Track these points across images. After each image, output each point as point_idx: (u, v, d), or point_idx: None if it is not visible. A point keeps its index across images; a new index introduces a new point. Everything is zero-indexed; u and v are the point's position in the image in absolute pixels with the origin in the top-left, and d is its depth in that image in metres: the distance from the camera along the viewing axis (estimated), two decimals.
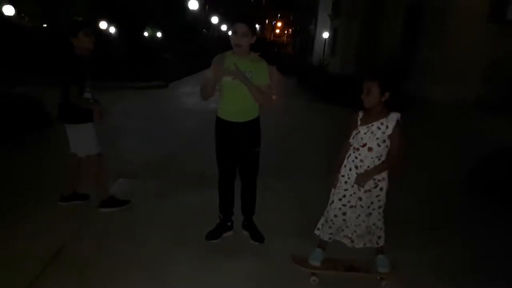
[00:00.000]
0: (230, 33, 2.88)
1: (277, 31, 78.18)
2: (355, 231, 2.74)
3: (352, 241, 2.77)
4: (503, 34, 11.65)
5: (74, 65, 3.21)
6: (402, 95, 9.20)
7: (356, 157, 2.61)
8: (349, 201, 2.67)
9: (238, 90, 2.88)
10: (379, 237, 2.76)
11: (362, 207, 2.66)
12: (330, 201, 2.75)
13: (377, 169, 2.56)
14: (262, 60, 3.00)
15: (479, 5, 11.86)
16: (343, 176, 2.67)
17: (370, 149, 2.56)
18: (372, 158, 2.56)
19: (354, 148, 2.64)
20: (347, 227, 2.74)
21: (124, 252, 2.95)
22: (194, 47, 23.55)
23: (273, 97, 14.39)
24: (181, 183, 4.44)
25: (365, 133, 2.56)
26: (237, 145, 3.04)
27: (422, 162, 5.87)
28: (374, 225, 2.72)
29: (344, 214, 2.69)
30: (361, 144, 2.58)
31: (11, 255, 2.82)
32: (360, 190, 2.62)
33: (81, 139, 3.38)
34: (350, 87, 9.77)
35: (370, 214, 2.69)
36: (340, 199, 2.68)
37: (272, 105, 3.09)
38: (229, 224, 3.30)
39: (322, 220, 2.83)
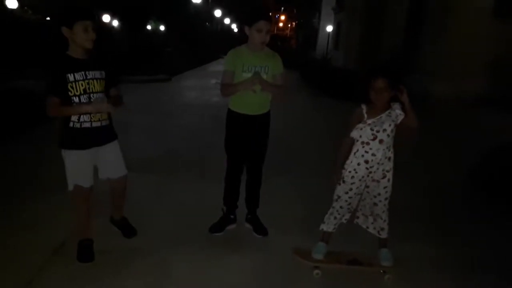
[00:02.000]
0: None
1: (281, 24, 77.74)
2: (360, 209, 2.79)
3: (357, 217, 2.84)
4: (508, 29, 11.54)
5: (54, 69, 2.47)
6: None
7: (366, 152, 2.61)
8: (355, 193, 2.71)
9: (257, 84, 2.90)
10: (381, 228, 2.78)
11: (368, 193, 2.71)
12: (335, 197, 2.76)
13: (411, 111, 2.55)
14: (275, 53, 3.06)
15: (483, 0, 11.75)
16: (349, 171, 2.67)
17: (381, 141, 2.57)
18: (383, 150, 2.58)
19: (362, 142, 2.62)
20: (351, 211, 2.79)
21: (126, 246, 2.97)
22: (197, 40, 23.48)
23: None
24: (182, 178, 4.45)
25: (375, 126, 2.57)
26: (248, 138, 3.08)
27: (424, 158, 5.85)
28: (378, 215, 2.74)
29: (349, 204, 2.74)
30: (371, 138, 2.58)
31: (12, 251, 2.84)
32: (368, 179, 2.65)
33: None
34: (353, 81, 9.74)
35: (375, 204, 2.72)
36: (346, 192, 2.70)
37: (286, 95, 3.14)
38: (232, 217, 3.32)
39: (327, 215, 2.83)
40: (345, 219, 2.82)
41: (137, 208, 3.57)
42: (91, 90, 2.49)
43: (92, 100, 2.48)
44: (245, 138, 3.08)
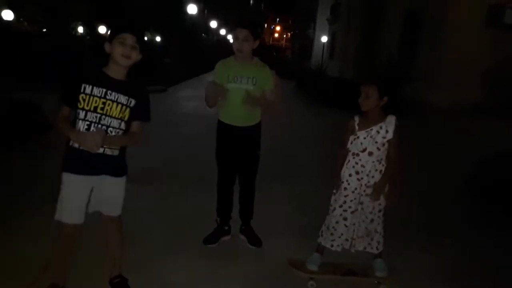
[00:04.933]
0: (231, 38, 2.93)
1: (276, 35, 78.43)
2: (355, 232, 2.73)
3: (354, 245, 2.75)
4: (501, 38, 11.70)
5: (72, 76, 2.20)
6: (400, 99, 9.23)
7: (356, 163, 2.62)
8: (350, 207, 2.68)
9: (242, 95, 2.88)
10: (378, 242, 2.77)
11: (363, 209, 2.67)
12: (331, 208, 2.75)
13: (385, 178, 2.58)
14: (265, 65, 3.02)
15: (477, 10, 11.91)
16: (342, 182, 2.68)
17: (370, 153, 2.57)
18: (373, 162, 2.58)
19: (353, 154, 2.64)
20: (348, 231, 2.74)
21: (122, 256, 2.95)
22: (193, 51, 23.59)
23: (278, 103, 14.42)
24: (180, 187, 4.45)
25: (364, 138, 2.58)
26: (238, 150, 3.06)
27: (421, 167, 5.87)
28: (375, 230, 2.73)
29: (345, 219, 2.70)
30: (361, 150, 2.59)
31: (9, 260, 2.81)
32: (362, 195, 2.64)
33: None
34: (349, 91, 9.80)
35: (372, 220, 2.70)
36: (340, 206, 2.69)
37: (278, 112, 3.16)
38: (226, 228, 3.29)
39: (323, 227, 2.83)
40: (344, 239, 2.74)
41: (134, 218, 3.55)
42: (105, 112, 2.14)
43: (92, 129, 2.12)
44: (234, 150, 3.06)
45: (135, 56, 2.18)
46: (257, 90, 2.94)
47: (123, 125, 2.20)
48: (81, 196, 2.22)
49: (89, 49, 14.04)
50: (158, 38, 26.65)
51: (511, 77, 11.06)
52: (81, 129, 2.12)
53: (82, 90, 2.12)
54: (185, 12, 24.39)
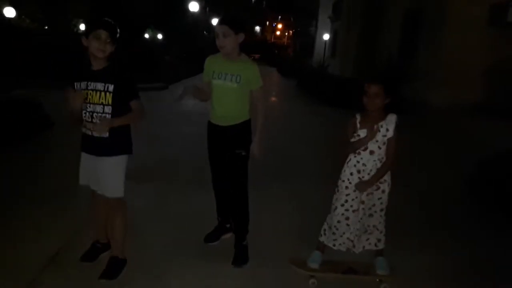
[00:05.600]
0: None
1: (278, 33, 78.25)
2: (356, 231, 2.72)
3: (354, 245, 2.74)
4: (503, 37, 11.65)
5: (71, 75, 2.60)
6: (400, 99, 9.22)
7: (358, 161, 2.62)
8: (351, 206, 2.67)
9: (226, 93, 2.84)
10: (378, 240, 2.77)
11: (364, 209, 2.67)
12: (333, 207, 2.75)
13: (377, 177, 2.58)
14: (252, 62, 2.91)
15: (478, 8, 11.85)
16: (343, 181, 2.67)
17: (372, 152, 2.57)
18: (374, 161, 2.58)
19: (354, 152, 2.64)
20: (349, 231, 2.73)
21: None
22: (194, 49, 23.58)
23: (272, 98, 14.44)
24: (180, 186, 4.44)
25: (366, 137, 2.57)
26: (223, 149, 2.94)
27: (421, 167, 5.87)
28: (374, 226, 2.73)
29: (347, 219, 2.69)
30: (362, 148, 2.59)
31: (9, 258, 2.82)
32: (363, 193, 2.63)
33: None
34: (350, 89, 9.79)
35: (371, 215, 2.70)
36: (342, 205, 2.68)
37: (266, 107, 3.04)
38: (228, 226, 3.24)
39: (325, 226, 2.83)
40: (346, 238, 2.74)
41: (134, 217, 3.55)
42: (89, 101, 2.48)
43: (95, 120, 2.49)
44: (220, 149, 2.96)
45: (109, 48, 2.47)
46: (242, 88, 2.83)
47: (107, 109, 2.48)
48: (88, 168, 2.64)
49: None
50: (159, 36, 26.66)
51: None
52: (84, 118, 2.52)
53: (75, 88, 2.52)
54: (187, 10, 24.38)
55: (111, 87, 2.47)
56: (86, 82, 2.49)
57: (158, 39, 26.50)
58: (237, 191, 2.99)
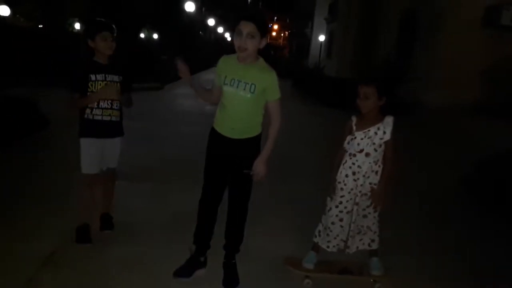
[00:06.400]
0: (230, 35, 2.56)
1: (274, 33, 78.25)
2: (350, 232, 2.74)
3: (348, 246, 2.75)
4: (498, 38, 11.76)
5: (79, 69, 2.95)
6: (399, 99, 9.27)
7: (353, 163, 2.63)
8: (345, 207, 2.69)
9: (238, 103, 2.47)
10: (372, 240, 2.79)
11: (358, 210, 2.69)
12: (327, 208, 2.76)
13: (383, 183, 2.60)
14: (271, 70, 2.48)
15: (473, 10, 11.95)
16: (339, 182, 2.68)
17: (367, 154, 2.58)
18: (369, 163, 2.59)
19: (350, 154, 2.65)
20: (343, 232, 2.75)
21: (119, 254, 2.95)
22: (190, 49, 23.55)
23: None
24: (178, 186, 4.44)
25: (361, 139, 2.58)
26: (230, 165, 2.58)
27: (421, 167, 5.90)
28: (368, 227, 2.75)
29: (341, 220, 2.71)
30: (358, 150, 2.60)
31: (6, 257, 2.81)
32: (357, 195, 2.65)
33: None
34: (346, 90, 9.82)
35: (365, 216, 2.72)
36: (337, 206, 2.70)
37: (281, 122, 2.61)
38: (202, 259, 2.78)
39: (319, 227, 2.84)
40: (340, 239, 2.76)
41: (132, 216, 3.56)
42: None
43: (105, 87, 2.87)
44: (227, 165, 2.59)
45: (114, 45, 2.90)
46: (257, 99, 2.46)
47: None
48: (97, 153, 2.97)
49: (85, 45, 13.99)
50: (155, 36, 26.58)
51: (508, 77, 11.11)
52: (94, 105, 2.89)
53: (90, 79, 2.86)
54: (183, 10, 24.33)
55: (120, 78, 2.96)
56: (103, 74, 2.89)
57: (153, 39, 26.42)
58: (240, 210, 2.70)
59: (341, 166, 2.69)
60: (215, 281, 2.70)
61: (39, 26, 19.04)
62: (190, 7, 23.50)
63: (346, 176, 2.65)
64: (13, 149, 5.28)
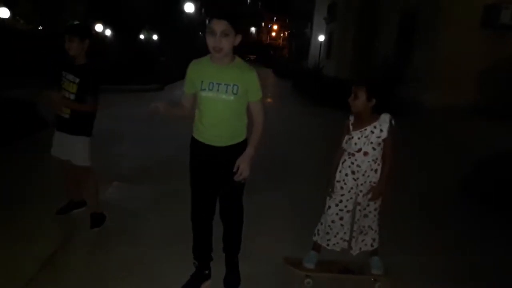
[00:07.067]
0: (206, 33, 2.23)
1: (273, 34, 78.33)
2: (353, 232, 2.75)
3: (351, 247, 2.77)
4: (497, 38, 11.76)
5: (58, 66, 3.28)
6: (397, 100, 9.26)
7: (352, 163, 2.63)
8: (346, 206, 2.69)
9: (220, 108, 2.32)
10: (373, 239, 2.79)
11: (360, 210, 2.70)
12: (326, 207, 2.77)
13: (383, 179, 2.60)
14: (251, 68, 2.34)
15: (472, 9, 11.96)
16: (338, 181, 2.69)
17: (365, 153, 2.58)
18: (368, 162, 2.59)
19: (348, 153, 2.65)
20: (343, 231, 2.76)
21: (117, 257, 2.95)
22: (190, 50, 23.56)
23: (269, 99, 14.45)
24: (175, 188, 4.43)
25: (359, 138, 2.59)
26: (218, 176, 2.44)
27: (420, 167, 5.90)
28: (369, 227, 2.75)
29: (341, 219, 2.71)
30: (356, 150, 2.60)
31: (6, 258, 2.81)
32: (358, 195, 2.65)
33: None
34: (345, 91, 9.81)
35: (366, 215, 2.72)
36: (336, 205, 2.70)
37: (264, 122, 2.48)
38: (206, 272, 2.69)
39: (319, 226, 2.84)
40: (340, 238, 2.77)
41: (131, 218, 3.56)
42: (64, 88, 3.14)
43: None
44: (213, 176, 2.47)
45: (74, 47, 3.09)
46: (240, 101, 2.32)
47: (72, 97, 3.10)
48: (59, 143, 3.24)
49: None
50: (154, 37, 26.60)
51: (507, 77, 11.11)
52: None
53: (62, 76, 3.16)
54: (182, 11, 24.34)
55: (76, 79, 3.10)
56: (65, 72, 3.15)
57: (153, 40, 26.45)
58: (235, 222, 2.62)
59: (341, 166, 2.70)
60: (215, 281, 2.70)
61: (39, 28, 19.05)
62: (189, 8, 23.51)
63: (346, 175, 2.66)
64: (13, 149, 5.29)
